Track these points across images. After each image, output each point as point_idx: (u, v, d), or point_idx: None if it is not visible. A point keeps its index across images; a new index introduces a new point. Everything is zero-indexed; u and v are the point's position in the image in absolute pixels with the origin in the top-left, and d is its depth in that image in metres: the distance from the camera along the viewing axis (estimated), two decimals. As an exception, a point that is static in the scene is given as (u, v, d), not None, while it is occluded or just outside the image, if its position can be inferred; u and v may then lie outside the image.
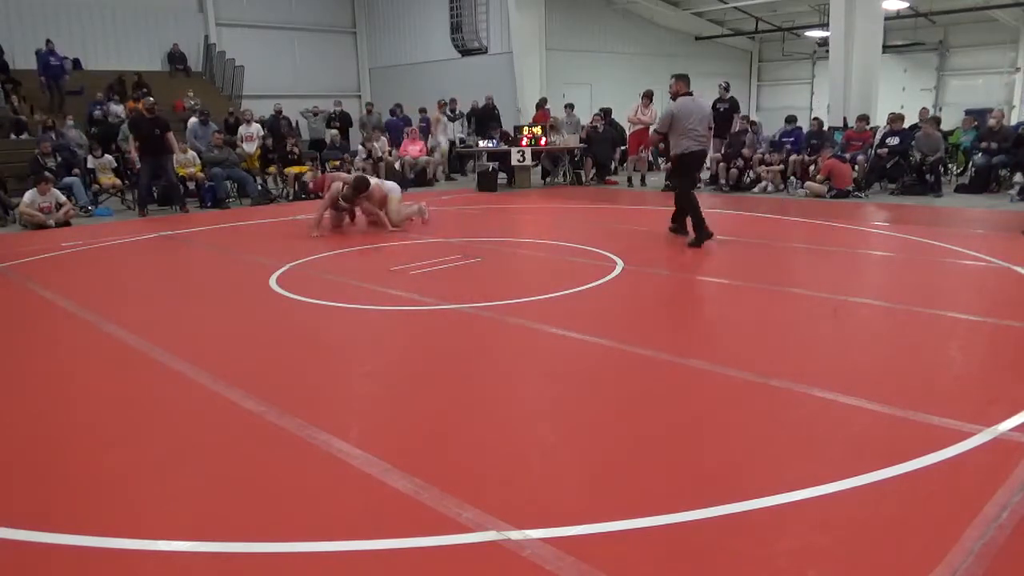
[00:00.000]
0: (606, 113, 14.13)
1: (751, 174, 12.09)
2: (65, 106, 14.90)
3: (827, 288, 5.35)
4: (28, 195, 9.49)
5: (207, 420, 3.27)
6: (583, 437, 3.03)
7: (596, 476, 2.67)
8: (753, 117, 16.19)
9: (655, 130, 7.34)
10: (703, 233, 6.98)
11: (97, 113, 14.66)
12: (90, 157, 11.32)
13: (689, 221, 7.22)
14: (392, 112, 16.58)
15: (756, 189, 11.84)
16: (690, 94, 7.13)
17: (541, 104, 15.85)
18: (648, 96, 13.55)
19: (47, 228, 9.34)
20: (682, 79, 7.34)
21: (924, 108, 13.95)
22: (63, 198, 9.72)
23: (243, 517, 2.43)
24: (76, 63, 17.34)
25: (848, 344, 4.10)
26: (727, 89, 13.46)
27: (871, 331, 4.41)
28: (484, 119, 15.56)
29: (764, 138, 12.53)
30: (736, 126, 12.88)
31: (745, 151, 12.12)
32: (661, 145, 7.84)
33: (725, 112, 13.12)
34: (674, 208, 7.55)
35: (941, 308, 4.74)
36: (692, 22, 22.48)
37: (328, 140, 14.36)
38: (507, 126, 15.31)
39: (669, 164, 7.22)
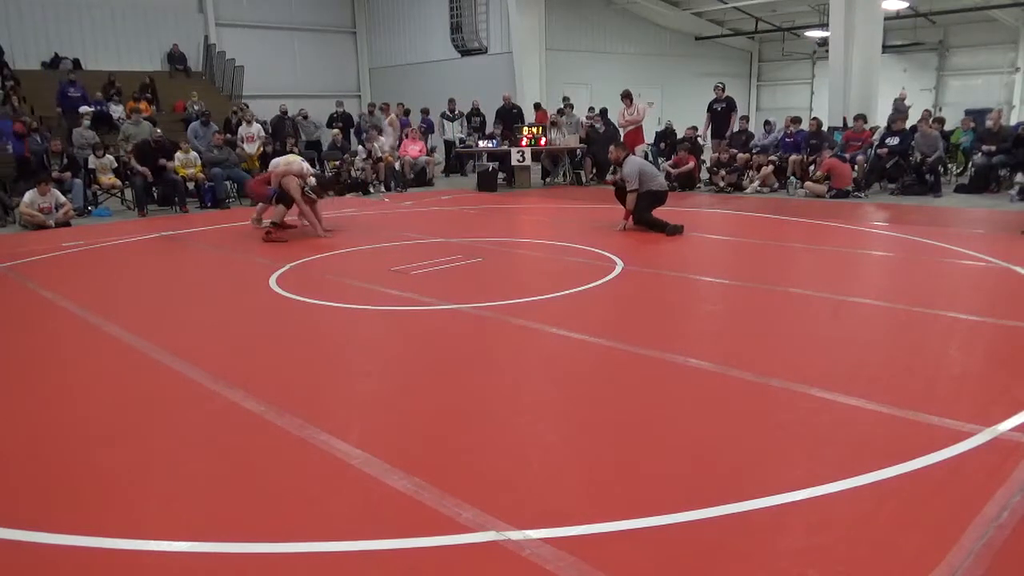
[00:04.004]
0: (602, 113, 14.15)
1: (751, 175, 12.11)
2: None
3: (827, 288, 5.35)
4: (28, 195, 9.48)
5: (207, 420, 3.27)
6: (583, 437, 3.03)
7: (596, 476, 2.67)
8: (752, 117, 16.17)
9: (632, 190, 7.94)
10: (669, 228, 7.72)
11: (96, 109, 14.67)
12: (92, 156, 11.31)
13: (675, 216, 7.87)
14: (407, 112, 16.50)
15: (748, 189, 11.85)
16: (633, 153, 8.60)
17: (538, 106, 15.89)
18: (628, 96, 13.57)
19: (47, 228, 9.34)
20: (620, 146, 8.56)
21: (926, 110, 13.96)
22: (63, 198, 9.72)
23: (243, 517, 2.43)
24: (76, 63, 17.35)
25: (848, 344, 4.10)
26: (723, 89, 13.48)
27: (871, 331, 4.41)
28: (508, 119, 15.27)
29: (775, 136, 12.52)
30: (736, 126, 12.90)
31: (741, 155, 12.15)
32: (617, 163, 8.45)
33: (722, 112, 13.14)
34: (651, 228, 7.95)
35: (941, 308, 4.74)
36: (692, 22, 22.48)
37: (329, 140, 14.38)
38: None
39: (627, 220, 8.13)
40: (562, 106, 14.70)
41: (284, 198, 8.25)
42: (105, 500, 2.59)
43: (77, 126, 12.74)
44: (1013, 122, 15.60)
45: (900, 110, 14.40)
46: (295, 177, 8.14)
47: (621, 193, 8.21)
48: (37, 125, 12.74)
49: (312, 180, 8.32)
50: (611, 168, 13.43)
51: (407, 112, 16.38)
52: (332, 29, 22.57)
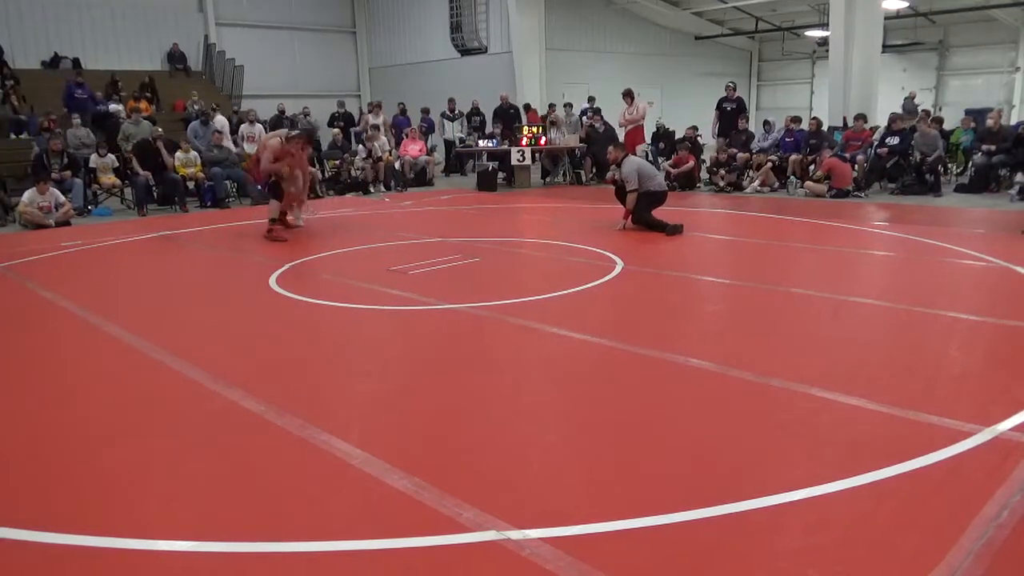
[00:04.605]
0: (596, 112, 14.18)
1: (750, 174, 12.11)
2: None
3: (827, 288, 5.35)
4: (27, 195, 9.50)
5: (207, 420, 3.28)
6: (583, 437, 3.03)
7: (596, 476, 2.67)
8: (752, 117, 16.20)
9: (631, 190, 7.96)
10: (669, 228, 7.73)
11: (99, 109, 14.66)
12: (94, 156, 11.30)
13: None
14: (402, 111, 16.50)
15: (748, 189, 11.85)
16: (634, 152, 8.68)
17: (528, 107, 15.94)
18: (629, 95, 13.58)
19: (47, 228, 9.34)
20: (619, 146, 8.63)
21: (924, 110, 13.97)
22: (62, 198, 9.72)
23: (243, 517, 2.43)
24: (76, 63, 17.35)
25: (848, 344, 4.10)
26: (734, 89, 13.47)
27: (871, 331, 4.41)
28: (506, 119, 15.29)
29: (774, 137, 12.53)
30: (738, 126, 12.90)
31: (741, 154, 12.14)
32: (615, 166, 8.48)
33: (731, 112, 13.14)
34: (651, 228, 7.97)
35: (941, 308, 4.74)
36: (692, 22, 22.48)
37: (329, 139, 14.37)
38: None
39: (628, 219, 8.13)
40: (588, 106, 14.75)
41: (276, 190, 8.14)
42: (105, 500, 2.59)
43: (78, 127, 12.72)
44: (1013, 122, 15.61)
45: (910, 110, 14.41)
46: (278, 137, 8.04)
47: (621, 192, 8.23)
48: (48, 124, 12.76)
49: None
50: (611, 167, 13.45)
51: (402, 111, 16.39)
52: (332, 29, 22.57)
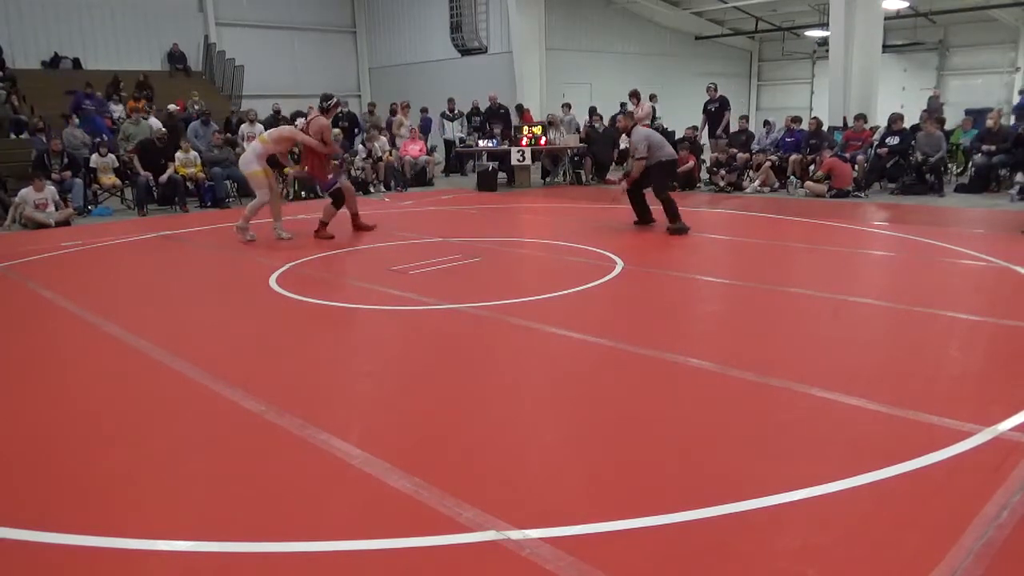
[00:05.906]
0: (591, 111, 14.18)
1: (751, 174, 12.11)
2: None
3: (827, 288, 5.35)
4: (22, 193, 9.53)
5: (207, 420, 3.28)
6: (583, 437, 3.03)
7: (596, 476, 2.67)
8: (752, 117, 16.19)
9: (639, 158, 7.92)
10: (678, 224, 7.73)
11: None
12: (95, 156, 11.30)
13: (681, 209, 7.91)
14: (393, 112, 16.52)
15: (748, 189, 11.84)
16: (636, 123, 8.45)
17: (520, 108, 15.97)
18: (635, 95, 13.60)
19: (47, 228, 9.34)
20: (628, 116, 8.78)
21: (924, 111, 13.95)
22: (57, 195, 9.72)
23: (243, 517, 2.43)
24: (76, 63, 17.35)
25: (848, 344, 4.10)
26: (716, 89, 13.52)
27: (871, 331, 4.41)
28: (498, 119, 15.37)
29: (773, 137, 12.52)
30: (735, 126, 12.89)
31: (741, 154, 12.14)
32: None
33: (716, 112, 13.17)
34: (664, 211, 7.88)
35: (941, 308, 4.74)
36: (692, 22, 22.48)
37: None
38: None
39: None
40: (649, 106, 14.74)
41: (337, 196, 7.97)
42: (105, 500, 2.59)
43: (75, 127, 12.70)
44: (1013, 122, 15.59)
45: (934, 108, 14.39)
46: (320, 119, 7.80)
47: (634, 192, 8.17)
48: (42, 126, 12.73)
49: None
50: (611, 166, 13.51)
51: (393, 113, 16.41)
52: (332, 29, 22.56)
